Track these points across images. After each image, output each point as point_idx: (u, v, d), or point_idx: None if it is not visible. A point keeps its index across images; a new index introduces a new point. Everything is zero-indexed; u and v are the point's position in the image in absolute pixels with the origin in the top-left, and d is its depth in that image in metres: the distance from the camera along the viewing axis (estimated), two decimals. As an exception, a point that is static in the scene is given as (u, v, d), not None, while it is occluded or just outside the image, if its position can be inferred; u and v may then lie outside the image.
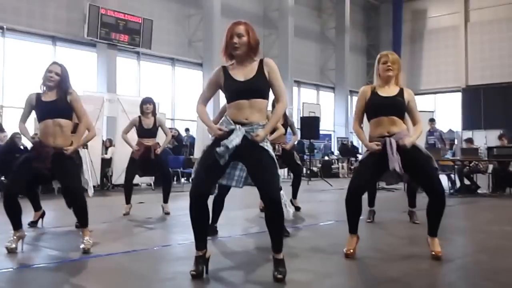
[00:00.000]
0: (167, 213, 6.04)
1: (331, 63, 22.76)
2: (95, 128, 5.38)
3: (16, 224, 3.80)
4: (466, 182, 9.59)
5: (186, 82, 17.25)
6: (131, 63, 15.68)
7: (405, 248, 4.02)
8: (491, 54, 22.84)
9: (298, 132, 8.85)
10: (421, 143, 10.39)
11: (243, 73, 3.01)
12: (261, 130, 2.93)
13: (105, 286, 2.90)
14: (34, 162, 3.78)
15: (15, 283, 3.03)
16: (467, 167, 9.65)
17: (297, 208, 6.40)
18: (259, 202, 5.92)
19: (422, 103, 20.16)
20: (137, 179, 7.96)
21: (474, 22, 23.52)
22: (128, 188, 6.16)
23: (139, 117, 6.09)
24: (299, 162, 6.33)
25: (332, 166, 17.24)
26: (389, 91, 3.68)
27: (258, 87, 2.98)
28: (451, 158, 10.73)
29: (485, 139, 20.25)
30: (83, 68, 14.06)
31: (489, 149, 10.18)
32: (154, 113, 6.14)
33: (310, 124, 13.40)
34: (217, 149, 2.85)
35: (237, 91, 2.97)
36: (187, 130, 14.42)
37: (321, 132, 15.33)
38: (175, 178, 11.54)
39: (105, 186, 10.75)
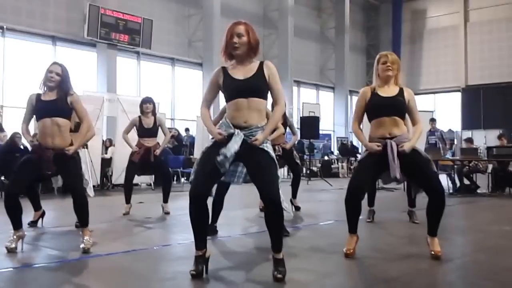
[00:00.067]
0: (167, 213, 6.05)
1: (330, 63, 22.77)
2: (94, 128, 5.38)
3: (17, 224, 3.81)
4: (466, 182, 9.60)
5: (186, 82, 17.26)
6: (131, 63, 15.68)
7: (405, 248, 4.02)
8: (490, 54, 22.85)
9: (298, 132, 8.85)
10: (422, 143, 10.45)
11: (242, 72, 3.02)
12: (260, 134, 2.94)
13: (105, 286, 2.90)
14: (40, 167, 3.79)
15: (15, 283, 3.04)
16: (467, 167, 9.66)
17: (297, 208, 6.41)
18: (258, 202, 5.92)
19: (421, 103, 20.15)
20: (137, 179, 7.97)
21: (474, 22, 23.53)
22: (128, 188, 6.16)
23: (139, 117, 6.10)
24: (298, 161, 6.32)
25: (332, 166, 17.25)
26: (389, 91, 3.69)
27: (257, 86, 2.99)
28: (450, 158, 10.74)
29: (485, 139, 20.28)
30: (83, 68, 14.06)
31: (489, 149, 10.19)
32: (154, 113, 6.15)
33: (310, 124, 13.41)
34: (217, 158, 2.86)
35: (236, 89, 2.98)
36: (187, 130, 14.42)
37: (321, 132, 15.33)
38: (175, 178, 11.55)
39: (105, 186, 10.76)
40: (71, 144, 3.94)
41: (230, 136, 2.93)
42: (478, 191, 9.46)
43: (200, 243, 2.98)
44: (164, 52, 16.32)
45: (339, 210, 5.13)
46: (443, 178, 9.74)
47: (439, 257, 3.44)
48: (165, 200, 6.14)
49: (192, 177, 2.97)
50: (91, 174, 8.87)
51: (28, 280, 3.08)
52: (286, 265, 2.93)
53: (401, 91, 3.69)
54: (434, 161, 10.26)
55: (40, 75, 3.98)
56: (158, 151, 5.99)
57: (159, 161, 6.06)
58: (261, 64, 3.05)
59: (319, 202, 8.22)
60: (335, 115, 22.80)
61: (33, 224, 5.03)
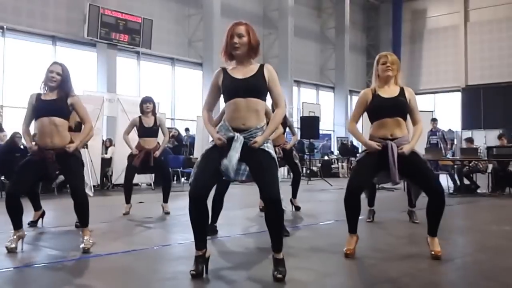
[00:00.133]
0: (167, 213, 6.05)
1: (331, 63, 22.77)
2: (94, 128, 5.38)
3: (17, 224, 3.81)
4: (466, 182, 9.60)
5: (186, 82, 17.26)
6: (131, 63, 15.68)
7: (405, 248, 4.03)
8: (490, 54, 22.85)
9: (298, 132, 8.85)
10: (423, 143, 10.46)
11: (242, 72, 3.03)
12: (259, 136, 2.95)
13: (105, 286, 2.90)
14: (45, 168, 3.80)
15: (15, 283, 3.04)
16: (467, 167, 9.66)
17: (297, 208, 6.41)
18: (259, 202, 5.93)
19: (421, 103, 20.12)
20: (137, 179, 7.98)
21: (474, 22, 23.53)
22: (128, 188, 6.16)
23: (139, 117, 6.10)
24: (296, 161, 6.31)
25: (332, 166, 17.26)
26: (390, 91, 3.68)
27: (256, 86, 2.99)
28: (450, 158, 10.74)
29: (485, 138, 20.28)
30: (83, 68, 14.06)
31: (489, 148, 10.19)
32: (154, 113, 6.15)
33: (310, 124, 13.41)
34: (221, 167, 2.89)
35: (235, 89, 2.98)
36: (187, 130, 14.42)
37: (321, 132, 15.34)
38: (175, 178, 11.56)
39: (105, 186, 10.76)
40: (71, 142, 3.94)
41: (229, 140, 2.94)
42: (478, 191, 9.46)
43: (200, 243, 2.98)
44: (164, 52, 16.33)
45: (339, 210, 5.13)
46: (444, 178, 9.77)
47: (439, 257, 3.44)
48: (165, 200, 6.14)
49: (191, 178, 2.97)
50: (91, 174, 8.87)
51: (28, 280, 3.08)
52: (286, 265, 2.93)
53: (402, 91, 3.69)
54: (434, 161, 10.25)
55: (40, 75, 3.98)
56: (158, 153, 5.99)
57: (159, 161, 6.06)
58: (262, 66, 3.06)
59: (319, 202, 8.22)
60: (335, 115, 22.81)
61: (33, 224, 5.03)
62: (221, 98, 3.16)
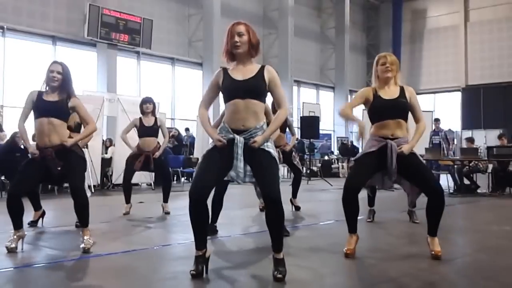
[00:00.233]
0: (167, 213, 6.05)
1: (331, 62, 22.77)
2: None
3: (17, 224, 3.80)
4: (466, 181, 9.60)
5: (186, 82, 17.26)
6: (131, 63, 15.69)
7: (405, 248, 4.03)
8: (490, 54, 22.85)
9: (298, 132, 8.84)
10: (425, 143, 10.46)
11: (242, 73, 3.03)
12: (259, 136, 2.95)
13: (105, 286, 2.90)
14: (47, 167, 3.79)
15: (15, 282, 3.04)
16: (467, 167, 9.66)
17: (297, 208, 6.41)
18: (259, 202, 5.92)
19: (421, 103, 19.87)
20: (137, 179, 7.98)
21: (474, 22, 23.53)
22: (127, 188, 6.16)
23: (140, 118, 6.11)
24: (295, 162, 6.30)
25: (332, 166, 17.26)
26: (391, 92, 3.68)
27: (255, 87, 2.99)
28: (451, 158, 10.74)
29: (485, 138, 20.29)
30: (83, 68, 14.06)
31: (489, 148, 10.18)
32: (154, 113, 6.16)
33: (310, 124, 13.40)
34: (230, 178, 2.96)
35: (234, 90, 2.98)
36: (187, 129, 14.42)
37: (321, 132, 15.34)
38: (175, 178, 11.54)
39: (105, 185, 10.76)
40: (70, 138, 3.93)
41: (229, 142, 2.94)
42: (478, 191, 9.46)
43: (200, 243, 2.98)
44: (164, 52, 16.33)
45: (339, 210, 5.11)
46: (444, 178, 9.77)
47: (439, 257, 3.44)
48: (165, 200, 6.15)
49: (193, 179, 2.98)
50: (91, 174, 8.87)
51: (28, 280, 3.08)
52: (286, 264, 2.93)
53: (402, 91, 3.69)
54: (434, 161, 10.23)
55: (41, 75, 3.97)
56: (157, 153, 6.00)
57: (159, 161, 6.07)
58: (262, 67, 3.06)
59: (319, 202, 8.22)
60: (335, 115, 22.79)
61: (33, 224, 5.03)
62: (221, 99, 3.17)
